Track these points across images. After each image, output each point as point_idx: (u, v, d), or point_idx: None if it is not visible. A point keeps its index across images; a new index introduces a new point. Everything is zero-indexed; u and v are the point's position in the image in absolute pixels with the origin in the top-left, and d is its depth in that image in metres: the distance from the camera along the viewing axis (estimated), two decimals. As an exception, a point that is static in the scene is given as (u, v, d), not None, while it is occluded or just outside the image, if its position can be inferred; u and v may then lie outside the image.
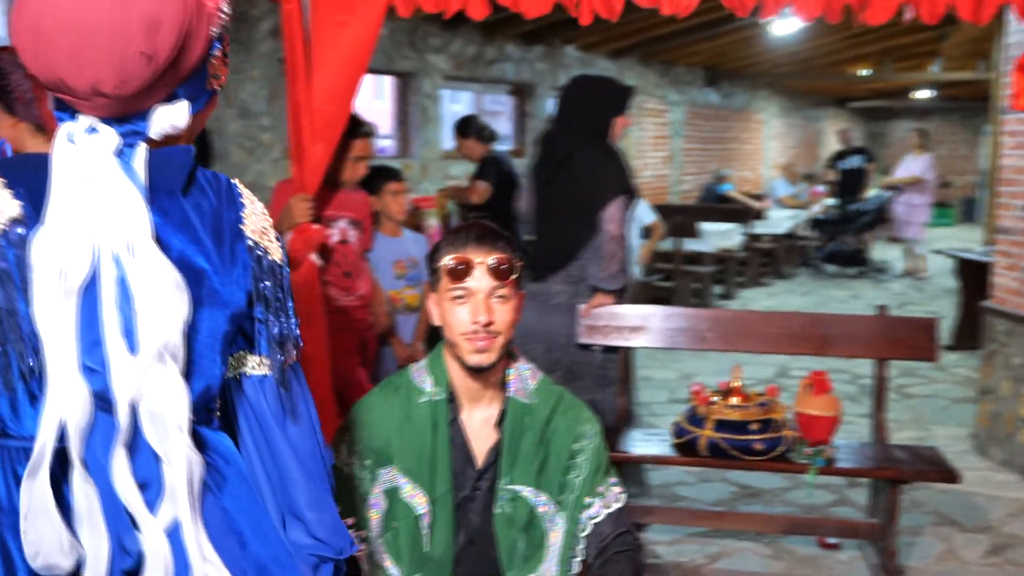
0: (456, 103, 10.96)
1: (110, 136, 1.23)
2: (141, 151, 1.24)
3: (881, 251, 12.27)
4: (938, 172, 11.90)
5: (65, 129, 1.23)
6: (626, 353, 3.92)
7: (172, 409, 1.21)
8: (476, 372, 2.02)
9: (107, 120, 1.24)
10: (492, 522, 2.05)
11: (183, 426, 1.22)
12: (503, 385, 2.09)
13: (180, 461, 1.22)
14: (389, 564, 2.02)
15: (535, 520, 2.06)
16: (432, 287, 2.07)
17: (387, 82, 8.08)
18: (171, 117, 1.27)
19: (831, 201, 11.90)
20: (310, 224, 3.35)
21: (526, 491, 2.05)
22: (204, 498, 1.28)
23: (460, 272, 1.97)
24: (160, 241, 1.23)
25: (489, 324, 1.96)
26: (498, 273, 1.97)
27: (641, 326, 3.82)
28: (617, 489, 2.13)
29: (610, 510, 2.08)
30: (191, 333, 1.26)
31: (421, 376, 2.08)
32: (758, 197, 12.10)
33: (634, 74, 10.88)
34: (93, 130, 1.23)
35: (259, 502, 1.36)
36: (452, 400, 2.07)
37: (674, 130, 12.13)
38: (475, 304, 1.97)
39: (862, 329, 3.75)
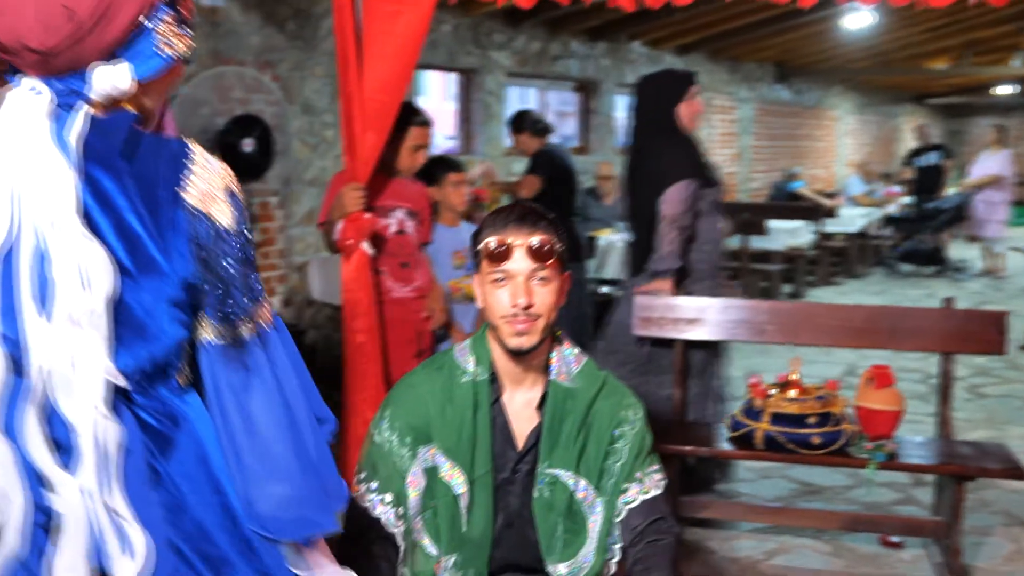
0: (524, 101, 10.95)
1: (46, 97, 1.24)
2: (79, 116, 1.25)
3: (959, 250, 11.93)
4: (1017, 169, 11.52)
5: (8, 91, 1.25)
6: (683, 345, 3.85)
7: (83, 377, 1.23)
8: (517, 355, 1.99)
9: (48, 80, 1.25)
10: (531, 506, 2.03)
11: (97, 393, 1.24)
12: (546, 368, 2.06)
13: (87, 427, 1.24)
14: (427, 542, 2.01)
15: (574, 505, 2.02)
16: (474, 269, 2.05)
17: (454, 82, 8.09)
18: (111, 78, 1.27)
19: (908, 199, 11.61)
20: (361, 213, 3.36)
21: (565, 475, 2.02)
22: (134, 461, 1.29)
23: (499, 254, 1.94)
24: (94, 209, 1.24)
25: (529, 307, 1.93)
26: (538, 255, 1.94)
27: (698, 318, 3.76)
28: (657, 476, 2.08)
29: (647, 496, 2.03)
30: (132, 301, 1.27)
31: (464, 356, 2.06)
32: (831, 195, 11.86)
33: (702, 70, 10.74)
34: (36, 91, 1.25)
35: (209, 469, 1.36)
36: (494, 381, 2.04)
37: (743, 127, 11.97)
38: (515, 286, 1.94)
39: (928, 322, 3.64)
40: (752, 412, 3.42)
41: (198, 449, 1.36)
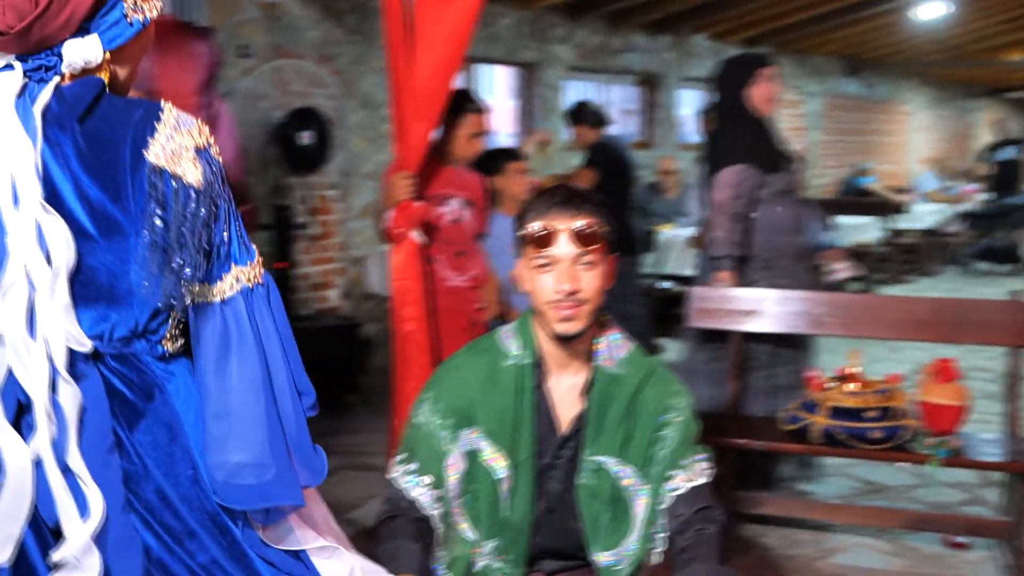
0: (584, 96, 10.86)
1: (17, 74, 1.30)
2: (47, 88, 1.30)
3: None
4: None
5: None
6: (740, 338, 3.76)
7: (39, 342, 1.28)
8: (563, 340, 1.95)
9: (21, 57, 1.30)
10: (574, 492, 1.99)
11: (56, 357, 1.28)
12: (592, 353, 2.01)
13: (40, 391, 1.27)
14: (466, 527, 1.98)
15: (619, 493, 1.97)
16: (519, 254, 2.01)
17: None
18: (82, 51, 1.31)
19: (984, 195, 11.27)
20: (411, 201, 3.34)
21: (610, 463, 1.97)
22: (95, 425, 1.31)
23: (543, 239, 1.90)
24: (56, 174, 1.28)
25: (574, 292, 1.89)
26: (583, 239, 1.89)
27: (755, 310, 3.67)
28: (704, 464, 2.02)
29: (693, 484, 1.97)
30: (97, 264, 1.30)
31: (508, 339, 2.02)
32: (902, 191, 11.58)
33: (768, 64, 10.56)
34: (10, 68, 1.31)
35: (181, 441, 1.36)
36: (539, 365, 2.00)
37: (811, 122, 11.73)
38: (560, 272, 1.90)
39: (995, 315, 3.50)
40: (809, 405, 3.33)
41: (172, 420, 1.36)
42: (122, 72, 1.38)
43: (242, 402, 1.34)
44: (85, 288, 1.30)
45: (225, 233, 1.36)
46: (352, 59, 6.17)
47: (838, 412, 3.23)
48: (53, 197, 1.29)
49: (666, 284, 7.13)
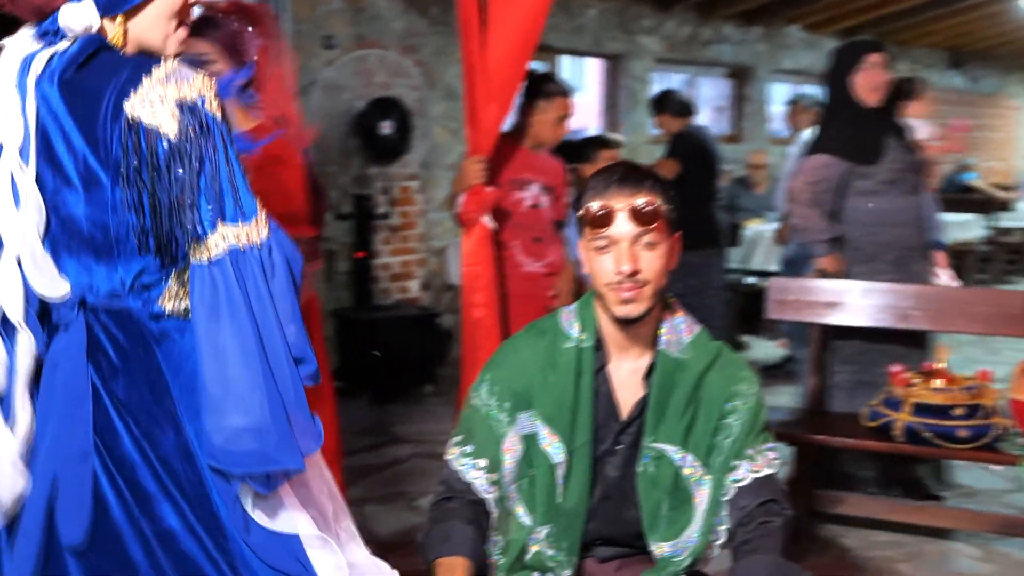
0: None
1: (26, 39, 1.39)
2: (48, 50, 1.36)
3: None
4: None
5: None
6: (820, 331, 3.62)
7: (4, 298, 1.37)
8: (624, 323, 1.88)
9: (38, 24, 1.39)
10: (633, 480, 1.91)
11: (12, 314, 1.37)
12: (655, 337, 1.93)
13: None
14: (521, 511, 1.92)
15: (680, 482, 1.89)
16: (580, 234, 1.95)
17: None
18: (76, 16, 1.36)
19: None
20: (483, 186, 3.30)
21: (671, 450, 1.89)
22: (66, 374, 1.37)
23: (601, 219, 1.83)
24: (50, 127, 1.35)
25: (635, 273, 1.82)
26: (642, 217, 1.82)
27: (837, 302, 3.53)
28: (771, 455, 1.92)
29: (758, 475, 1.88)
30: (80, 215, 1.35)
31: (569, 321, 1.96)
32: (1008, 189, 11.11)
33: (866, 56, 10.25)
34: (25, 35, 1.40)
35: (162, 400, 1.37)
36: (599, 348, 1.93)
37: (912, 116, 11.34)
38: (619, 252, 1.83)
39: (1097, 310, 3.30)
40: (892, 402, 3.19)
41: (157, 380, 1.38)
42: (146, 35, 1.40)
43: (236, 366, 1.34)
44: (68, 238, 1.36)
45: (213, 190, 1.35)
46: (435, 50, 6.18)
47: (922, 409, 3.09)
48: (47, 149, 1.34)
49: (751, 280, 6.96)
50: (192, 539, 1.34)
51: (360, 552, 1.58)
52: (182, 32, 1.46)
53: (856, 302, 3.51)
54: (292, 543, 1.41)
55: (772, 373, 6.04)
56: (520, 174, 3.55)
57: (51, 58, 1.36)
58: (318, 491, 1.51)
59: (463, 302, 3.37)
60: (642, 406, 1.91)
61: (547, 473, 1.90)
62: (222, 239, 1.34)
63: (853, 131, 3.69)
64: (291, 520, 1.40)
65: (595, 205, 1.84)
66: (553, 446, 1.90)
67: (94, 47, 1.36)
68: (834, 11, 8.77)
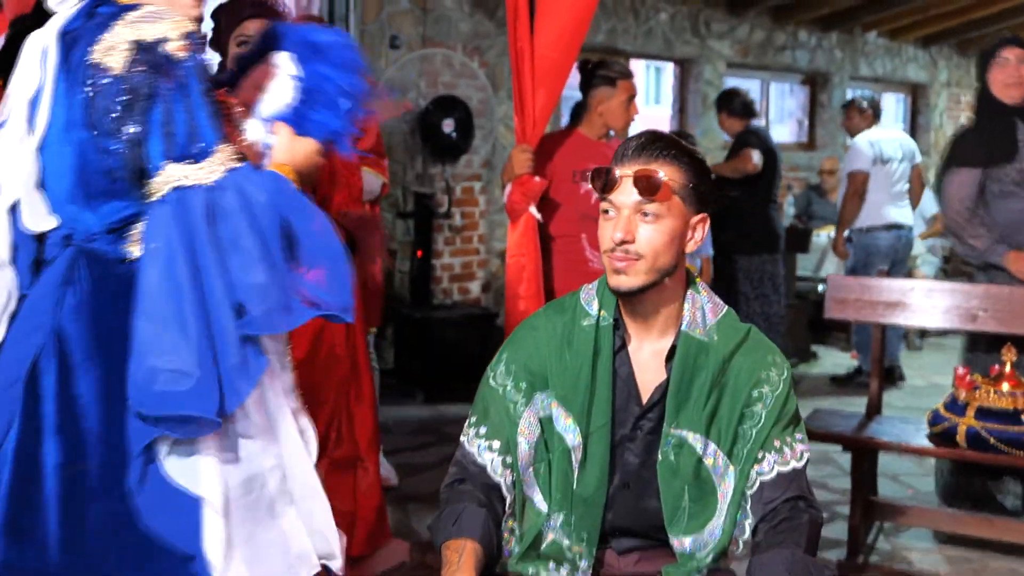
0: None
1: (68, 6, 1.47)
2: (70, 11, 1.46)
3: None
4: None
5: None
6: (881, 331, 3.47)
7: None
8: (626, 297, 1.78)
9: None
10: (654, 469, 1.80)
11: None
12: (679, 317, 1.83)
13: None
14: (538, 497, 1.83)
15: (702, 472, 1.78)
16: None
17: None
18: None
19: None
20: (531, 176, 3.24)
21: (694, 438, 1.77)
22: (34, 306, 1.43)
23: (606, 184, 1.76)
24: (60, 78, 1.43)
25: (624, 242, 1.73)
26: (644, 187, 1.72)
27: (900, 301, 3.38)
28: (800, 447, 1.79)
29: (785, 469, 1.76)
30: (62, 157, 1.40)
31: (589, 298, 1.86)
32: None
33: (949, 64, 9.95)
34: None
35: (101, 336, 1.40)
36: (619, 327, 1.84)
37: (998, 127, 10.97)
38: (619, 220, 1.75)
39: None
40: (956, 406, 3.04)
41: (111, 319, 1.39)
42: None
43: (162, 306, 1.35)
44: (59, 179, 1.41)
45: (164, 129, 1.37)
46: (501, 51, 6.14)
47: (987, 414, 2.93)
48: (54, 101, 1.43)
49: (823, 288, 6.78)
50: (60, 481, 1.34)
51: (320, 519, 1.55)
52: None
53: (919, 302, 3.36)
54: (188, 506, 1.39)
55: (843, 384, 5.86)
56: (587, 164, 3.46)
57: (71, 19, 1.43)
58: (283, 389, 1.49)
59: (507, 294, 3.31)
60: (664, 390, 1.80)
61: (562, 457, 1.80)
62: (167, 178, 1.35)
63: (987, 134, 3.45)
64: (200, 481, 1.38)
65: (605, 170, 1.77)
66: (567, 428, 1.80)
67: (91, 5, 1.43)
68: (914, 17, 8.52)
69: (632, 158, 1.75)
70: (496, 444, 1.83)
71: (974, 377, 3.06)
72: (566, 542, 1.82)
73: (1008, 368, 3.01)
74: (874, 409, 3.44)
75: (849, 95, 8.80)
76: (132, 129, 1.35)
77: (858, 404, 4.23)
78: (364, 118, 1.68)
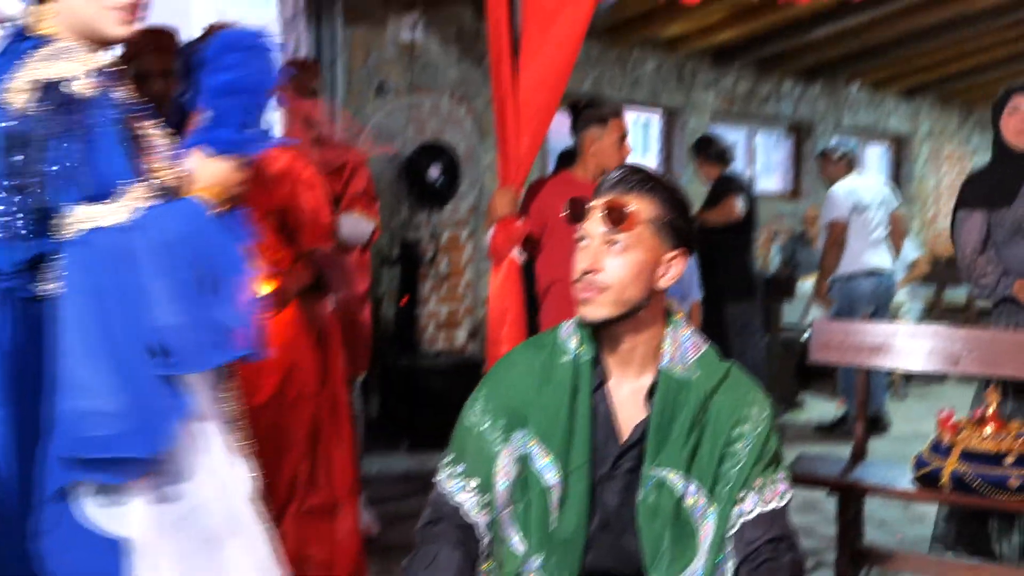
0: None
1: None
2: None
3: None
4: None
5: None
6: (867, 375, 3.47)
7: None
8: (600, 331, 1.78)
9: None
10: (634, 508, 1.78)
11: None
12: (658, 354, 1.82)
13: None
14: (515, 538, 1.80)
15: (682, 513, 1.75)
16: None
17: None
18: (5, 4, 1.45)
19: None
20: (514, 218, 3.25)
21: (674, 478, 1.74)
22: None
23: (575, 214, 1.77)
24: None
25: (590, 271, 1.73)
26: (611, 216, 1.72)
27: (883, 344, 3.38)
28: (782, 487, 1.77)
29: (767, 509, 1.73)
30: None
31: (568, 334, 1.84)
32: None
33: (931, 116, 10.07)
34: None
35: (10, 375, 1.38)
36: (598, 364, 1.82)
37: (980, 178, 11.07)
38: (587, 250, 1.75)
39: None
40: (940, 449, 3.02)
41: (25, 359, 1.38)
42: (84, 12, 1.42)
43: (78, 348, 1.33)
44: None
45: (67, 169, 1.34)
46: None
47: (971, 456, 2.91)
48: None
49: (809, 335, 6.78)
50: None
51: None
52: (121, 6, 1.46)
53: (903, 345, 3.36)
54: (104, 548, 1.36)
55: (828, 432, 5.85)
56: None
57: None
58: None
59: (489, 338, 3.29)
60: (644, 429, 1.77)
61: (540, 497, 1.77)
62: (76, 219, 1.33)
63: (994, 178, 3.46)
64: (128, 521, 1.35)
65: (580, 200, 1.77)
66: (546, 467, 1.77)
67: (12, 39, 1.41)
68: (896, 69, 8.64)
69: (607, 190, 1.75)
70: (473, 483, 1.80)
71: (958, 420, 3.05)
72: (544, 584, 1.78)
73: (991, 411, 3.00)
74: (860, 453, 3.42)
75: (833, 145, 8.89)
76: (32, 170, 1.33)
77: (843, 451, 4.20)
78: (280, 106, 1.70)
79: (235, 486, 1.55)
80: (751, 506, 1.73)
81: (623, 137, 3.48)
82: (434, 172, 5.60)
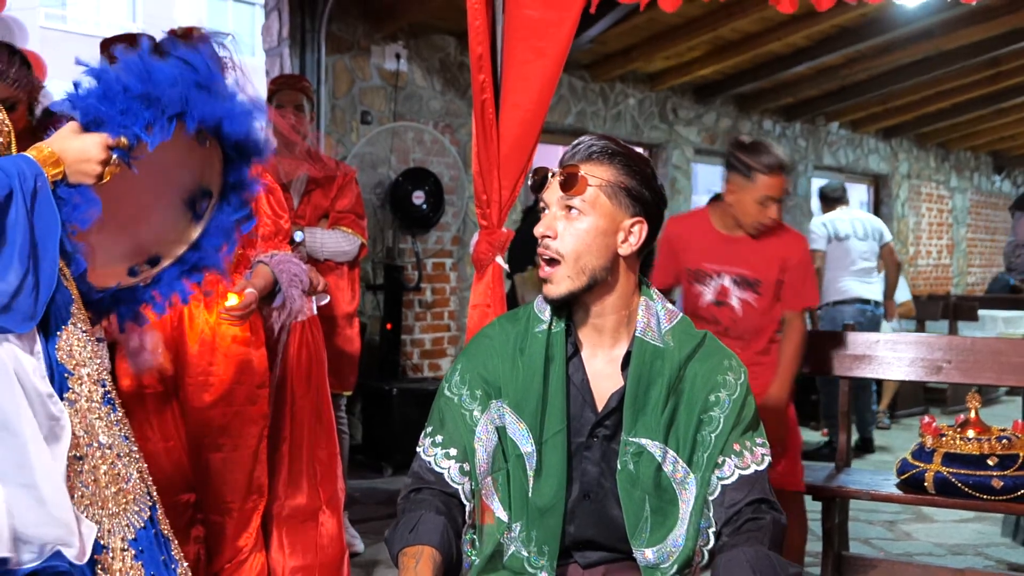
0: (713, 179, 10.74)
1: None
2: None
3: None
4: None
5: None
6: (852, 385, 3.49)
7: None
8: (567, 304, 1.78)
9: None
10: (614, 478, 1.76)
11: None
12: (632, 324, 1.82)
13: None
14: (497, 506, 1.79)
15: (662, 481, 1.74)
16: None
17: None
18: None
19: None
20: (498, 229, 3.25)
21: (652, 445, 1.74)
22: None
23: (537, 183, 1.78)
24: None
25: (545, 236, 1.74)
26: (565, 183, 1.73)
27: (866, 354, 3.40)
28: (761, 450, 1.76)
29: (747, 472, 1.73)
30: None
31: (542, 306, 1.84)
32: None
33: (909, 157, 10.22)
34: None
35: None
36: (572, 334, 1.82)
37: (956, 218, 11.22)
38: (545, 217, 1.77)
39: None
40: (923, 453, 3.03)
41: None
42: None
43: None
44: None
45: None
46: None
47: (954, 459, 2.93)
48: None
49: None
50: None
51: None
52: None
53: (885, 354, 3.38)
54: None
55: (815, 455, 5.85)
56: (702, 264, 3.08)
57: None
58: None
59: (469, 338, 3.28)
60: (620, 398, 1.77)
61: (517, 465, 1.77)
62: None
63: None
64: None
65: (539, 169, 1.79)
66: (520, 435, 1.77)
67: None
68: (873, 109, 8.78)
69: (567, 159, 1.77)
70: (453, 452, 1.79)
71: (939, 425, 3.06)
72: (527, 555, 1.77)
73: (973, 415, 3.02)
74: (843, 462, 3.42)
75: (814, 184, 9.01)
76: None
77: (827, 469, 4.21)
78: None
79: (38, 437, 1.61)
80: (730, 470, 1.73)
81: (767, 199, 2.99)
82: (418, 197, 5.63)
